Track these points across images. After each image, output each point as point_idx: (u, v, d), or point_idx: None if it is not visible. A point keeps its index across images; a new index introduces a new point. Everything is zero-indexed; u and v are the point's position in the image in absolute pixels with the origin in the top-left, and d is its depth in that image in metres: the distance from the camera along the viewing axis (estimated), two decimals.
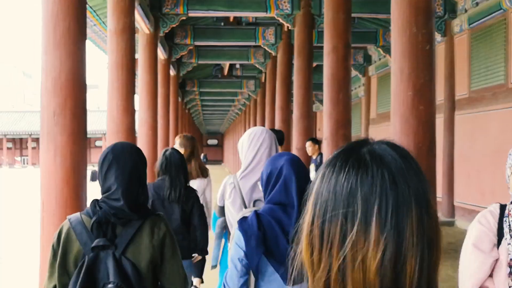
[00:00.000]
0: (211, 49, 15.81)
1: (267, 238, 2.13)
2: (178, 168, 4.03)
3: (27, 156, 65.27)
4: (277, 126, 13.63)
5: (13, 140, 66.15)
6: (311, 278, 0.80)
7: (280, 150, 3.44)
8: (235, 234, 2.18)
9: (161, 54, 12.83)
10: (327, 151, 7.74)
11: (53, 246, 2.06)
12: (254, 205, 3.00)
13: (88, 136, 4.54)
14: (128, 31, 7.45)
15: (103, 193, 2.09)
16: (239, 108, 29.63)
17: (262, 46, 13.85)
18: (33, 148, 65.79)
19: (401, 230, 0.75)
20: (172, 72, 15.47)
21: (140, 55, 10.42)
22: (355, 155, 0.81)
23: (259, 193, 2.88)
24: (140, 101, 10.38)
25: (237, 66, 18.61)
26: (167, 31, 11.32)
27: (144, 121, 10.25)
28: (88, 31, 10.64)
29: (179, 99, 19.67)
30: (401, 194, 0.77)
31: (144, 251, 2.05)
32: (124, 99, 7.39)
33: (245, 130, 26.07)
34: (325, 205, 0.79)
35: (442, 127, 11.32)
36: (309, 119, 10.76)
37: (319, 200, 0.81)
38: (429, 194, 0.80)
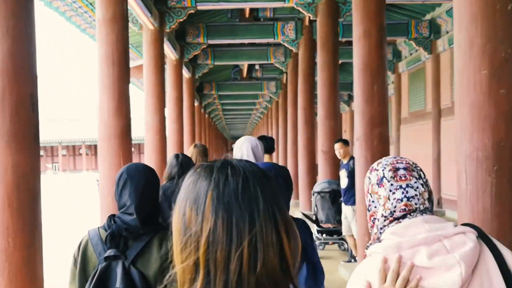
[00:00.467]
0: (227, 49, 14.68)
1: None
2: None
3: (57, 163, 66.08)
4: (300, 128, 12.45)
5: (44, 148, 66.26)
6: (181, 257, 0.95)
7: (268, 158, 3.63)
8: None
9: (171, 54, 11.73)
10: (360, 154, 6.48)
11: (74, 255, 2.25)
12: None
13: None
14: (120, 20, 6.33)
15: (119, 209, 2.26)
16: (261, 112, 28.42)
17: (281, 43, 12.64)
18: (63, 155, 66.81)
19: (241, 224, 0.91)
20: (186, 74, 14.37)
21: (145, 53, 9.33)
22: (211, 165, 0.99)
23: None
24: (145, 104, 9.28)
25: (257, 67, 17.44)
26: (174, 27, 10.20)
27: (150, 126, 9.14)
28: (78, 18, 9.61)
29: (196, 103, 18.57)
30: (248, 193, 0.93)
31: (152, 262, 2.19)
32: (117, 100, 6.26)
33: (267, 133, 24.90)
34: (185, 201, 0.98)
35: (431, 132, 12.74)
36: (336, 119, 9.50)
37: (181, 196, 1.00)
38: (278, 206, 0.95)
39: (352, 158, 7.26)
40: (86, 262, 2.22)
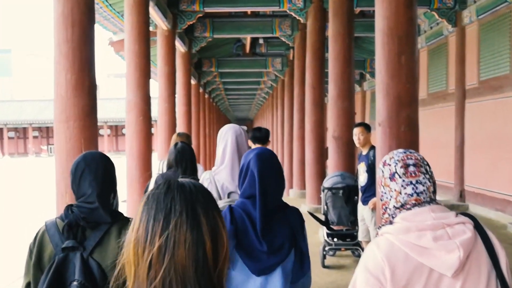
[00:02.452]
0: (228, 20, 13.28)
1: (238, 231, 2.19)
2: (189, 161, 4.09)
3: (53, 144, 64.18)
4: (308, 109, 11.10)
5: (39, 129, 65.07)
6: (134, 269, 1.08)
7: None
8: None
9: (162, 23, 10.38)
10: (383, 142, 5.15)
11: (30, 246, 2.19)
12: (228, 197, 3.18)
13: None
14: None
15: (77, 199, 2.21)
16: (266, 92, 26.94)
17: (288, 12, 11.22)
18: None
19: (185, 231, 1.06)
20: (181, 48, 13.01)
21: (126, 17, 7.96)
22: (173, 182, 1.13)
23: (233, 185, 3.10)
24: (127, 79, 7.95)
25: (261, 41, 16.00)
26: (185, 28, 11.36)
27: (133, 105, 7.82)
28: None
29: (194, 81, 17.18)
30: (191, 208, 1.08)
31: (110, 252, 2.12)
32: (77, 71, 4.94)
33: (273, 116, 23.46)
34: (150, 211, 1.09)
35: (454, 115, 11.57)
36: (350, 99, 8.16)
37: (146, 207, 1.10)
38: (216, 208, 1.13)
39: (372, 147, 5.93)
40: (41, 253, 2.17)
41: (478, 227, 1.73)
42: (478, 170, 10.60)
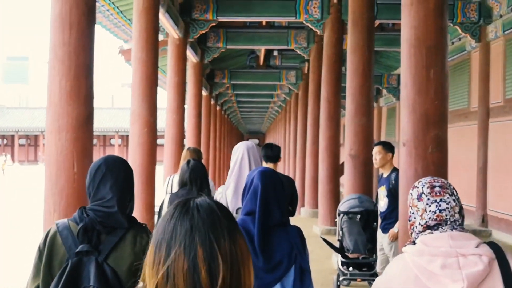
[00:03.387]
0: (242, 30, 12.88)
1: None
2: (203, 179, 4.03)
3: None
4: (323, 124, 10.60)
5: None
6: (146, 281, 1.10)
7: (273, 167, 4.22)
8: None
9: (173, 31, 9.97)
10: (408, 164, 4.64)
11: (39, 247, 2.12)
12: (236, 213, 3.24)
13: None
14: None
15: (93, 201, 2.17)
16: (279, 105, 26.45)
17: (304, 23, 10.77)
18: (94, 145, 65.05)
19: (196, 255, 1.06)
20: (193, 58, 12.59)
21: (135, 22, 7.55)
22: (181, 205, 1.13)
23: (237, 200, 3.14)
24: (132, 88, 7.52)
25: (275, 53, 15.56)
26: (197, 37, 11.11)
27: (137, 116, 7.37)
28: None
29: (205, 92, 16.76)
30: (209, 229, 1.08)
31: (126, 258, 2.09)
32: (73, 77, 4.51)
33: (285, 130, 22.93)
34: (158, 237, 1.10)
35: (476, 135, 10.92)
36: (368, 115, 7.64)
37: (156, 233, 1.10)
38: (227, 232, 1.09)
39: (395, 170, 5.41)
40: (52, 255, 2.10)
41: (502, 260, 1.74)
42: (503, 193, 10.00)
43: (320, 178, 10.79)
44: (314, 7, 10.44)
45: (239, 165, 3.45)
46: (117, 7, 10.07)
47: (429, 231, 1.84)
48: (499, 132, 10.28)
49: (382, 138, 18.26)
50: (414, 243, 1.85)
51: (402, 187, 4.75)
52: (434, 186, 1.91)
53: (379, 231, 5.60)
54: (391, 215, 5.31)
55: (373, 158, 5.48)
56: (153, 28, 7.55)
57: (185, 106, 13.29)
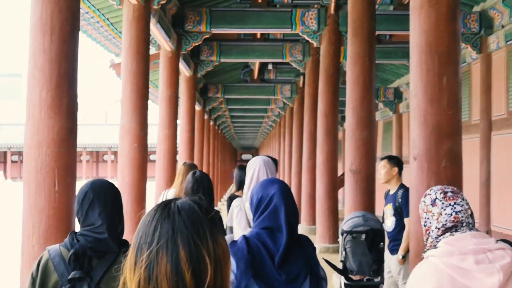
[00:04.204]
0: (236, 43, 12.54)
1: (256, 261, 2.22)
2: (209, 190, 4.03)
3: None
4: (320, 139, 10.25)
5: None
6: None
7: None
8: None
9: (165, 43, 9.63)
10: (419, 179, 4.28)
11: (32, 274, 2.12)
12: (231, 232, 3.55)
13: None
14: None
15: (82, 227, 2.16)
16: (273, 120, 26.10)
17: (301, 34, 10.46)
18: (87, 161, 64.58)
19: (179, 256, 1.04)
20: (186, 71, 12.24)
21: (125, 32, 7.20)
22: (162, 206, 1.10)
23: None
24: (122, 101, 7.14)
25: (269, 67, 15.24)
26: (190, 49, 10.72)
27: (127, 131, 7.00)
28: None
29: (199, 107, 16.39)
30: (190, 230, 1.06)
31: (118, 282, 1.79)
32: (54, 87, 4.13)
33: (280, 145, 22.50)
34: (139, 240, 1.07)
35: (478, 149, 10.56)
36: (370, 128, 7.28)
37: (137, 235, 1.08)
38: (209, 233, 1.07)
39: (402, 187, 5.03)
40: (45, 282, 2.10)
41: None
42: (506, 208, 9.65)
43: (318, 194, 10.40)
44: (311, 18, 10.13)
45: (257, 179, 3.48)
46: (107, 19, 9.73)
47: (449, 233, 1.93)
48: (502, 145, 9.95)
49: (378, 153, 17.91)
50: (435, 247, 1.92)
51: (414, 205, 4.38)
52: (447, 192, 2.03)
53: (386, 252, 5.21)
54: (399, 235, 4.93)
55: (378, 173, 5.11)
56: (144, 39, 7.20)
57: (178, 121, 12.95)
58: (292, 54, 12.53)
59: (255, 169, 3.55)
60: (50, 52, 4.14)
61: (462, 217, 1.94)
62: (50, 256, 2.11)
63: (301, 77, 15.41)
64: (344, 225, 5.66)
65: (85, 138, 60.65)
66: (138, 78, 7.08)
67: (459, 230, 1.92)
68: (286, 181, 19.04)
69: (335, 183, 10.32)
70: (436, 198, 2.01)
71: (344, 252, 5.57)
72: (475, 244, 1.84)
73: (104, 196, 2.18)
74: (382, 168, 5.09)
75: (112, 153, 62.15)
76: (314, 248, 2.39)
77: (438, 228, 1.94)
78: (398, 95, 16.28)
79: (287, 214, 2.27)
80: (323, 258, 5.35)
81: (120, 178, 6.90)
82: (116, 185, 2.34)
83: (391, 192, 5.10)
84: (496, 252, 1.83)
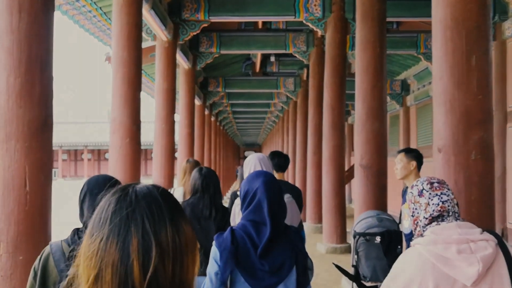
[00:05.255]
0: (237, 34, 11.96)
1: (240, 252, 2.28)
2: (216, 186, 4.01)
3: (57, 168, 63.15)
4: (326, 133, 9.67)
5: None
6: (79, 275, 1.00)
7: (282, 176, 4.48)
8: (212, 250, 2.35)
9: (161, 33, 9.07)
10: (446, 174, 3.71)
11: (34, 268, 2.13)
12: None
13: None
14: None
15: (82, 223, 2.18)
16: (276, 115, 25.51)
17: (305, 22, 9.88)
18: (64, 160, 64.07)
19: (150, 240, 0.97)
20: (185, 64, 11.69)
21: (114, 18, 6.64)
22: (119, 190, 1.04)
23: None
24: (112, 92, 6.59)
25: (272, 59, 14.66)
26: (187, 39, 10.18)
27: (118, 125, 6.45)
28: None
29: (199, 102, 15.83)
30: (148, 214, 0.99)
31: None
32: (24, 73, 3.58)
33: (283, 141, 21.94)
34: (93, 223, 1.01)
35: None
36: (381, 120, 6.72)
37: (93, 219, 1.02)
38: (169, 220, 1.00)
39: None
40: (46, 277, 2.11)
41: (501, 244, 1.93)
42: None
43: (324, 191, 9.84)
44: (315, 5, 9.56)
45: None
46: (100, 8, 9.18)
47: (435, 222, 1.98)
48: None
49: None
50: (422, 236, 1.98)
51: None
52: (433, 183, 2.09)
53: None
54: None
55: (397, 167, 4.54)
56: (136, 24, 6.64)
57: (177, 116, 12.40)
58: (296, 45, 11.95)
59: (251, 166, 3.60)
60: (18, 32, 3.59)
61: (448, 206, 2.00)
62: (52, 251, 2.12)
63: (305, 70, 14.84)
64: (356, 226, 5.09)
65: (87, 136, 60.32)
66: (130, 67, 6.52)
67: (445, 219, 1.99)
68: (290, 177, 18.56)
69: (342, 179, 9.76)
70: (423, 189, 2.07)
71: (356, 256, 5.00)
72: (459, 234, 1.90)
73: (97, 190, 2.16)
74: (398, 163, 4.53)
75: (63, 152, 61.79)
76: (302, 239, 2.45)
77: (426, 218, 2.00)
78: (405, 87, 15.67)
79: (270, 207, 2.31)
80: (333, 263, 4.80)
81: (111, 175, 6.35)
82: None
83: (410, 188, 4.54)
84: (479, 243, 1.89)
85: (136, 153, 6.52)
